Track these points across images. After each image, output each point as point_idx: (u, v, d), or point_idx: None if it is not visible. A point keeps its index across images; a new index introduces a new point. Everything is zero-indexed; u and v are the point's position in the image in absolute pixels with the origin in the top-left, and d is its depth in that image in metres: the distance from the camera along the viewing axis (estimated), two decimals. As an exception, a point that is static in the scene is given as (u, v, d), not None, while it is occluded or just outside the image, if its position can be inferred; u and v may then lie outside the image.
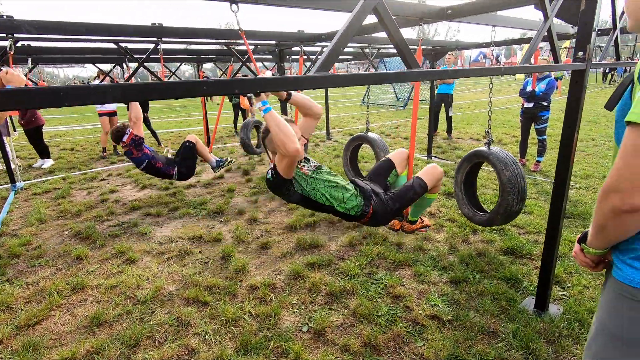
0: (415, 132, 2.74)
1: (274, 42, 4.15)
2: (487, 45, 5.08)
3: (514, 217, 2.55)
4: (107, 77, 6.28)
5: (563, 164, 1.98)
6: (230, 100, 9.94)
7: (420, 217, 2.70)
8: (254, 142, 6.48)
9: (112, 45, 3.87)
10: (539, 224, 3.49)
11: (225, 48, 4.16)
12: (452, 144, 7.40)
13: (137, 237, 3.62)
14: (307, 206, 2.09)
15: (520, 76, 22.00)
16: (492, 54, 38.19)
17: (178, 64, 6.65)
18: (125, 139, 3.74)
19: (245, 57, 4.29)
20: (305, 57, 4.16)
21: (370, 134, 3.72)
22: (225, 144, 8.55)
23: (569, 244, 3.07)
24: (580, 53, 1.80)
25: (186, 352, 2.09)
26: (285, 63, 4.33)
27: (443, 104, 7.59)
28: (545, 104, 5.11)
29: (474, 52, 43.00)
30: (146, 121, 8.38)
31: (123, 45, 3.47)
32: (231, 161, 4.92)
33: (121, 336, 2.21)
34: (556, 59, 1.71)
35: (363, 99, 17.13)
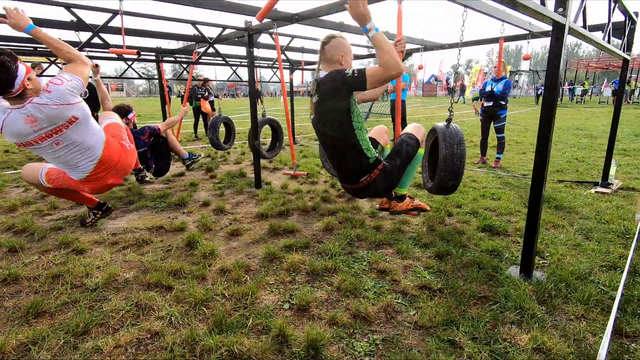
0: (400, 112, 2.71)
1: (243, 27, 4.00)
2: (451, 46, 5.31)
3: (450, 192, 2.59)
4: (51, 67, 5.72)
5: (545, 127, 2.00)
6: (191, 103, 9.54)
7: (408, 196, 2.55)
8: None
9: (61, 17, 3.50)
10: (509, 207, 3.56)
11: (194, 32, 3.92)
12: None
13: (86, 229, 3.18)
14: (340, 118, 1.91)
15: (469, 97, 23.61)
16: (443, 76, 40.84)
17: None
18: (130, 116, 3.85)
19: (213, 40, 4.08)
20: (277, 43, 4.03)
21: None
22: (184, 147, 8.10)
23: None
24: (560, 9, 1.85)
25: (149, 336, 1.77)
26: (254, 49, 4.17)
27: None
28: (503, 103, 5.41)
29: (426, 74, 45.78)
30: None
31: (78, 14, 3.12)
32: (200, 156, 4.69)
33: (65, 325, 1.84)
34: (543, 2, 1.74)
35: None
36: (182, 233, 3.08)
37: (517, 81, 35.91)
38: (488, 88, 5.47)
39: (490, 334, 1.74)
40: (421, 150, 2.32)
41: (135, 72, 6.11)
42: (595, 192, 4.11)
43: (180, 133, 5.19)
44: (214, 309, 1.98)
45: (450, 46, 5.25)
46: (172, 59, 6.21)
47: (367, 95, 2.46)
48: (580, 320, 1.83)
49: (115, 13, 3.01)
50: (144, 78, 7.08)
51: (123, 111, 3.76)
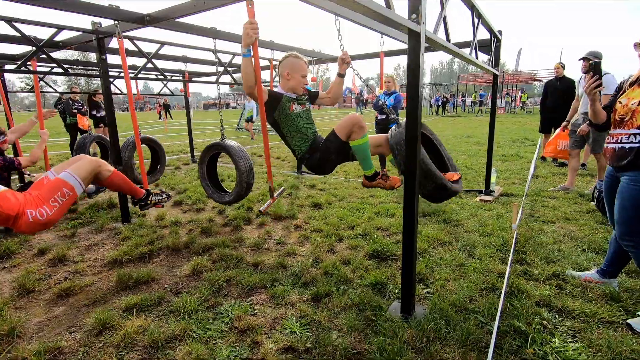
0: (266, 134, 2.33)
1: (90, 29, 3.26)
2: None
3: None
4: None
5: (411, 142, 1.78)
6: (65, 120, 8.10)
7: (378, 171, 2.54)
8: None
9: None
10: (401, 224, 3.42)
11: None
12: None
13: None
14: (275, 128, 2.44)
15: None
16: (357, 88, 43.20)
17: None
18: None
19: (42, 42, 3.26)
20: (132, 48, 3.38)
21: (227, 141, 3.17)
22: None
23: (427, 239, 3.02)
24: (414, 15, 1.64)
25: None
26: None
27: None
28: (394, 116, 5.51)
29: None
30: None
31: None
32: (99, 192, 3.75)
33: None
34: (389, 5, 1.51)
35: (238, 125, 16.69)
36: (-19, 303, 2.24)
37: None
38: (380, 102, 5.53)
39: (358, 411, 1.39)
40: (361, 141, 2.32)
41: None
42: (480, 200, 4.25)
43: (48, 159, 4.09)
44: None
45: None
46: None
47: (324, 101, 2.72)
48: (458, 369, 1.60)
49: None
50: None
51: None
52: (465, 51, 2.86)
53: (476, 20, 2.93)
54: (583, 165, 5.98)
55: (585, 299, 2.11)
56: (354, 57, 4.53)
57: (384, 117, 5.50)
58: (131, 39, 3.63)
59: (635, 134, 1.88)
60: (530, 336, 1.75)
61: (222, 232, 3.43)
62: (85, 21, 3.29)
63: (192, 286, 2.39)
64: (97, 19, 3.23)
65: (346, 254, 2.80)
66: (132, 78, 4.08)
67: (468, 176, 5.54)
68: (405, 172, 1.88)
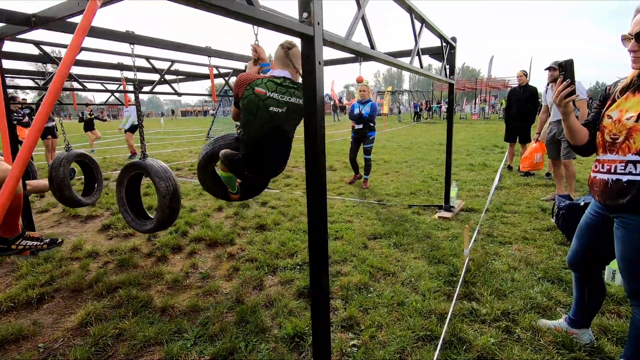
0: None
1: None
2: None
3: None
4: None
5: (311, 146, 1.42)
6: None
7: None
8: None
9: None
10: (345, 249, 3.07)
11: None
12: (285, 173, 7.03)
13: None
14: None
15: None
16: (336, 95, 43.25)
17: None
18: None
19: None
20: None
21: (148, 160, 2.77)
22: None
23: (370, 270, 2.67)
24: (305, 14, 1.30)
25: None
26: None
27: None
28: (372, 124, 5.40)
29: (320, 93, 47.80)
30: None
31: None
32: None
33: None
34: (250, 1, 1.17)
35: (208, 134, 16.17)
36: None
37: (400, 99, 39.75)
38: (356, 111, 5.47)
39: None
40: None
41: None
42: (438, 217, 3.97)
43: None
44: None
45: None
46: None
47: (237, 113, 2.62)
48: None
49: None
50: None
51: None
52: (406, 60, 2.55)
53: (418, 25, 2.64)
54: (548, 174, 5.83)
55: (535, 348, 1.81)
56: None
57: (361, 126, 5.39)
58: (36, 43, 3.18)
59: (635, 162, 1.36)
60: (462, 411, 1.42)
61: (143, 264, 2.98)
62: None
63: (73, 344, 1.95)
64: (-12, 21, 2.77)
65: (273, 292, 2.42)
66: (38, 88, 3.60)
67: (431, 189, 5.27)
68: (308, 198, 1.51)
